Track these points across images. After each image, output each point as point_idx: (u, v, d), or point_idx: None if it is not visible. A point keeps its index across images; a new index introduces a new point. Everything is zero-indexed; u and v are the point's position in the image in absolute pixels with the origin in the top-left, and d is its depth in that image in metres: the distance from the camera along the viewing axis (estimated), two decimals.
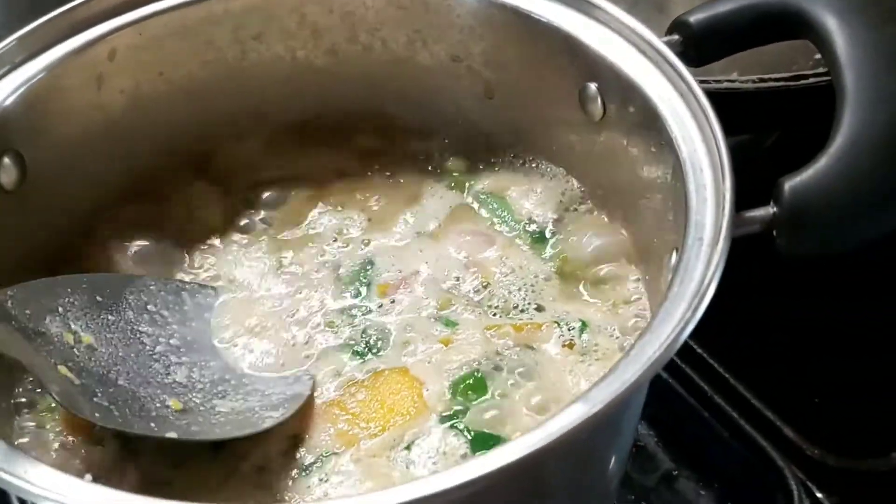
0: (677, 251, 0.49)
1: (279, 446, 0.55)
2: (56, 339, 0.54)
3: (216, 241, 0.66)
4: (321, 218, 0.67)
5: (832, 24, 0.52)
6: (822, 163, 0.49)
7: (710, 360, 0.75)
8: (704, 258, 0.46)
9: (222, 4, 0.65)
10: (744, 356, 0.76)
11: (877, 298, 0.78)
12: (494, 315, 0.60)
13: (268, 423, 0.54)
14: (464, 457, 0.52)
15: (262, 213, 0.68)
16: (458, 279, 0.62)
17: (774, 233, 0.49)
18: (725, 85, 0.70)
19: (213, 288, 0.63)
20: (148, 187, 0.67)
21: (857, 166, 0.48)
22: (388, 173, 0.70)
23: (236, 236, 0.67)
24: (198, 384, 0.57)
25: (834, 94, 0.52)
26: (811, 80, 0.70)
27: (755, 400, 0.73)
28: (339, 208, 0.68)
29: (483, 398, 0.55)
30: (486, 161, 0.69)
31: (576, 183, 0.66)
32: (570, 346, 0.58)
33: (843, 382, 0.74)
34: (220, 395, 0.56)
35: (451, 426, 0.54)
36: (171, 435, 0.52)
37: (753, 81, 0.71)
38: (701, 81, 0.66)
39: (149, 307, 0.60)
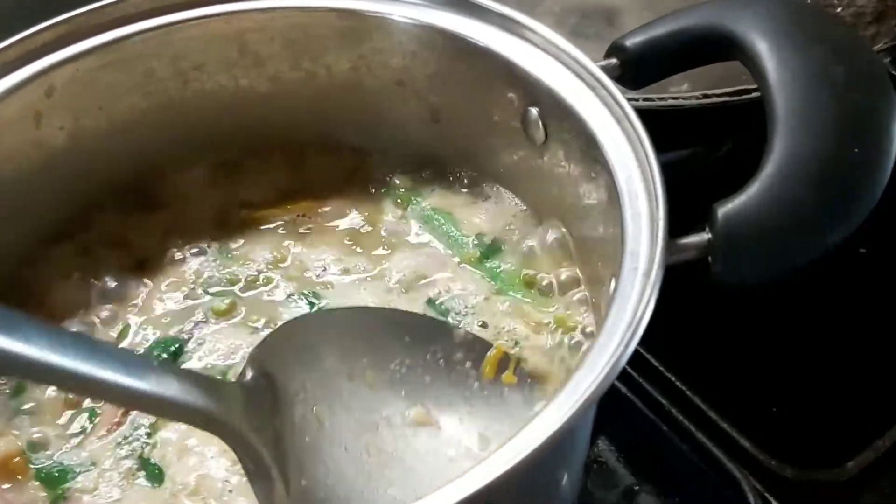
0: (615, 278, 0.49)
1: None
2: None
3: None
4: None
5: (762, 48, 0.52)
6: (753, 188, 0.49)
7: (667, 373, 0.75)
8: (639, 288, 0.46)
9: (160, 36, 0.64)
10: (700, 368, 0.75)
11: (833, 307, 0.78)
12: None
13: None
14: None
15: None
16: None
17: (710, 259, 0.49)
18: (670, 102, 0.70)
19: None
20: (87, 224, 0.67)
21: (788, 192, 0.48)
22: (330, 198, 0.69)
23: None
24: None
25: None
26: (754, 94, 0.70)
27: (711, 412, 0.73)
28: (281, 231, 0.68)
29: None
30: (433, 184, 0.69)
31: (522, 205, 0.66)
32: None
33: (800, 392, 0.75)
34: None
35: None
36: None
37: (697, 98, 0.71)
38: (646, 98, 0.67)
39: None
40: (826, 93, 0.50)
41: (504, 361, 0.56)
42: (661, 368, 0.75)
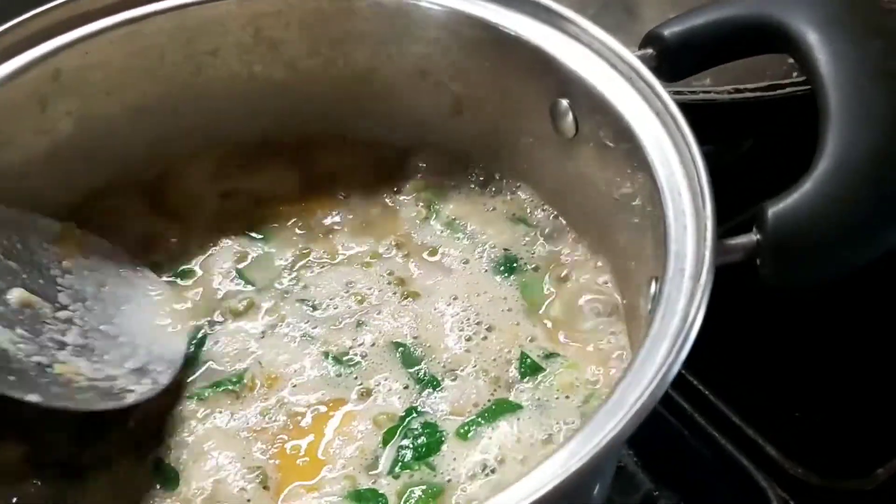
0: (657, 281, 0.47)
1: None
2: None
3: None
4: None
5: (813, 39, 0.49)
6: (806, 187, 0.46)
7: (690, 377, 0.73)
8: (687, 291, 0.44)
9: (173, 20, 0.62)
10: (724, 373, 0.73)
11: (860, 310, 0.76)
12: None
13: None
14: None
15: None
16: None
17: (758, 261, 0.47)
18: (701, 96, 0.68)
19: None
20: (94, 213, 0.64)
21: (844, 191, 0.46)
22: (346, 195, 0.67)
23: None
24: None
25: (810, 104, 0.50)
26: (787, 89, 0.68)
27: (736, 418, 0.71)
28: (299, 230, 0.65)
29: None
30: (454, 181, 0.66)
31: (547, 204, 0.64)
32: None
33: (826, 399, 0.73)
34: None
35: None
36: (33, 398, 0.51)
37: (729, 92, 0.69)
38: (675, 92, 0.64)
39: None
40: (883, 88, 0.47)
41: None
42: (684, 372, 0.73)
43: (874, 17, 0.51)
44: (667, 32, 0.56)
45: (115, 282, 0.60)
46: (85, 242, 0.60)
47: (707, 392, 0.72)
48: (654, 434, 0.71)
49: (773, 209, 0.46)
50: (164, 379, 0.56)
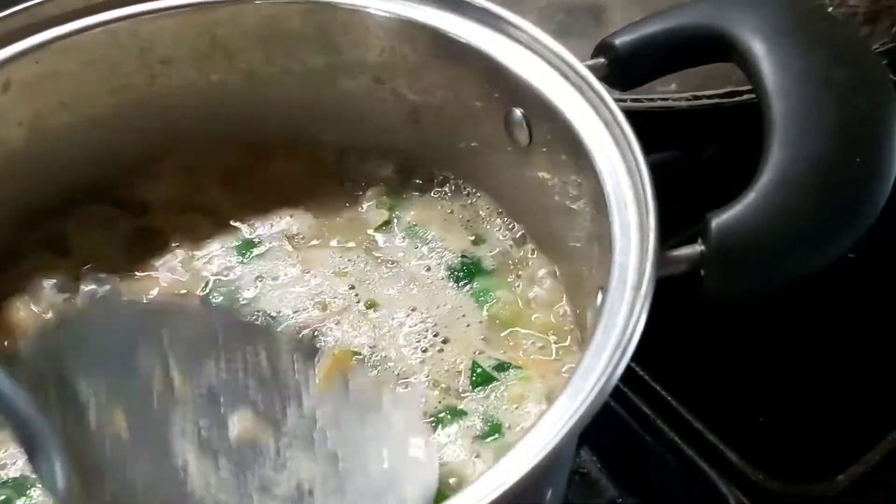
0: (602, 291, 0.47)
1: None
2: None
3: None
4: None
5: (759, 49, 0.49)
6: (750, 198, 0.46)
7: (653, 383, 0.73)
8: (628, 302, 0.44)
9: (126, 28, 0.61)
10: (687, 378, 0.73)
11: (822, 315, 0.76)
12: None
13: None
14: None
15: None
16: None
17: (702, 272, 0.47)
18: (659, 103, 0.68)
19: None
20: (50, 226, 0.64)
21: (788, 202, 0.46)
22: (307, 201, 0.67)
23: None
24: None
25: None
26: (745, 96, 0.68)
27: (699, 423, 0.71)
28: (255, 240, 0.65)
29: None
30: (413, 189, 0.66)
31: (504, 211, 0.64)
32: None
33: (789, 405, 0.73)
34: None
35: None
36: None
37: (687, 99, 0.69)
38: (634, 99, 0.65)
39: None
40: (827, 98, 0.47)
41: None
42: (646, 377, 0.73)
43: (821, 26, 0.51)
44: (618, 42, 0.56)
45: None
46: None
47: (669, 398, 0.72)
48: (617, 440, 0.71)
49: (717, 220, 0.46)
50: None
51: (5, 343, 0.57)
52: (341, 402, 0.48)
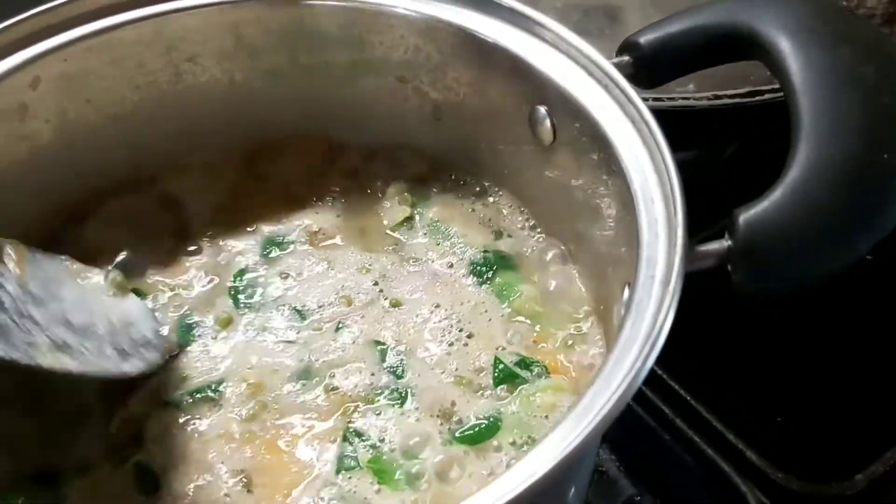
0: (629, 286, 0.47)
1: None
2: None
3: None
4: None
5: (785, 47, 0.50)
6: (777, 194, 0.46)
7: (672, 382, 0.73)
8: (657, 297, 0.44)
9: (152, 26, 0.62)
10: (706, 378, 0.73)
11: (841, 315, 0.76)
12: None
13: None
14: None
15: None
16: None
17: (730, 267, 0.47)
18: (680, 102, 0.68)
19: None
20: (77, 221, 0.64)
21: (815, 198, 0.46)
22: (332, 200, 0.67)
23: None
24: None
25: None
26: (766, 96, 0.68)
27: (718, 423, 0.71)
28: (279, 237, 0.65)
29: None
30: (435, 186, 0.67)
31: (526, 208, 0.64)
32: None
33: (807, 404, 0.73)
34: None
35: None
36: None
37: (709, 98, 0.69)
38: (655, 99, 0.65)
39: None
40: (855, 94, 0.48)
41: None
42: (665, 377, 0.73)
43: (844, 23, 0.51)
44: (642, 40, 0.56)
45: (68, 284, 0.59)
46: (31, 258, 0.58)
47: (689, 397, 0.72)
48: (636, 439, 0.71)
49: (744, 216, 0.46)
50: (153, 356, 0.57)
51: None
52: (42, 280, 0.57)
